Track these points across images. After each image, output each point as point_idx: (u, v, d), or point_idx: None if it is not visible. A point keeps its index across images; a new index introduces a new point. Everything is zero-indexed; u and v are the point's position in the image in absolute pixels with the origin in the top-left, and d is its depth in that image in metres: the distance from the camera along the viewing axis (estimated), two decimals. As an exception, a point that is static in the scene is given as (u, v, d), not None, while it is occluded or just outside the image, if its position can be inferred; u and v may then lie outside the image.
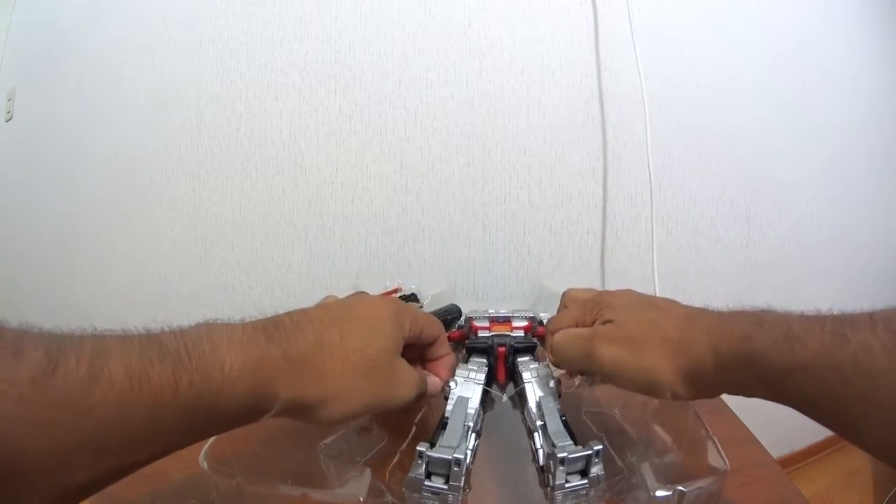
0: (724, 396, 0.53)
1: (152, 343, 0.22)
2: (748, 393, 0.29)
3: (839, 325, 0.25)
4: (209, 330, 0.25)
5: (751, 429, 0.46)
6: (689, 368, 0.29)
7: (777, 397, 0.27)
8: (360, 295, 0.37)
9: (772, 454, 0.42)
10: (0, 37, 1.28)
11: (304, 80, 0.85)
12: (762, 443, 0.44)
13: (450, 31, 0.82)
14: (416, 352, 0.37)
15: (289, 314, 0.30)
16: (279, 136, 0.87)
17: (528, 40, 0.82)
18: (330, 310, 0.31)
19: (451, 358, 0.39)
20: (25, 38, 1.21)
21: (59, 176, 1.12)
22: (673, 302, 0.35)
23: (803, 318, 0.27)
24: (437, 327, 0.37)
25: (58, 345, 0.19)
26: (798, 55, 0.94)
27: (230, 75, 0.88)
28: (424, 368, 0.38)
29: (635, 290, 0.38)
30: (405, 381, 0.32)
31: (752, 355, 0.27)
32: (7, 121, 1.24)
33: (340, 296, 0.37)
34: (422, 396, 0.34)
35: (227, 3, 0.87)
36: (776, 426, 1.05)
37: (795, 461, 1.18)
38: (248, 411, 0.25)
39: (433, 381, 0.36)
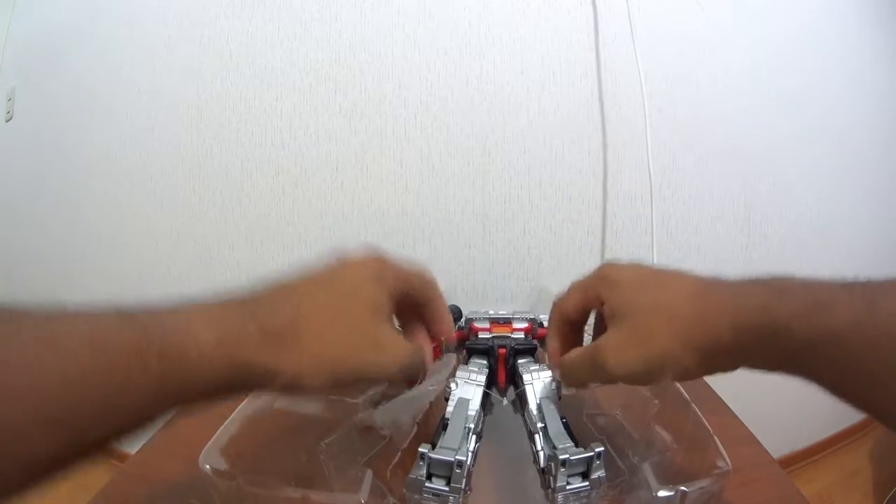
0: (725, 396, 0.53)
1: (121, 314, 0.21)
2: (769, 367, 0.27)
3: (868, 291, 0.23)
4: (184, 305, 0.24)
5: (751, 429, 0.46)
6: (702, 344, 0.27)
7: (800, 371, 0.25)
8: (341, 258, 0.32)
9: (772, 454, 0.42)
10: (0, 37, 1.28)
11: (304, 80, 0.85)
12: (762, 443, 0.43)
13: (450, 31, 0.82)
14: (414, 313, 0.33)
15: (266, 285, 0.28)
16: (279, 136, 0.87)
17: (528, 40, 0.82)
18: (308, 279, 0.29)
19: (449, 316, 0.35)
20: (25, 38, 1.21)
21: (59, 176, 1.12)
22: (683, 275, 0.31)
23: (828, 286, 0.24)
24: (428, 283, 0.33)
25: (15, 309, 0.18)
26: (798, 55, 0.94)
27: (230, 75, 0.88)
28: (428, 334, 0.34)
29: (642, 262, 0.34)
30: (389, 350, 0.28)
31: (774, 327, 0.25)
32: (7, 121, 1.24)
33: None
34: (413, 370, 0.30)
35: (227, 3, 0.87)
36: (776, 426, 1.05)
37: (795, 461, 1.18)
38: (227, 385, 0.24)
39: (426, 352, 0.32)
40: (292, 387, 0.26)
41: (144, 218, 0.98)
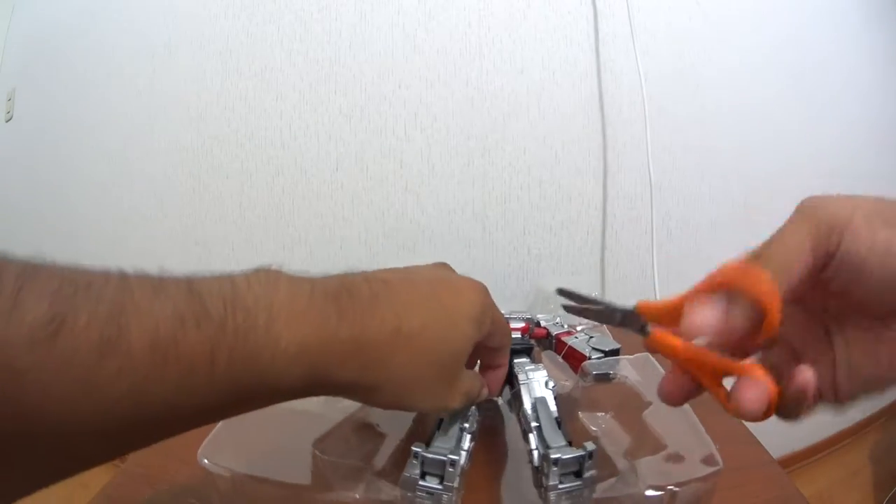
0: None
1: (192, 301, 0.18)
2: None
3: None
4: (267, 291, 0.20)
5: (751, 429, 0.46)
6: None
7: None
8: (447, 273, 0.31)
9: (772, 454, 0.42)
10: (0, 37, 1.28)
11: (304, 80, 0.85)
12: (762, 443, 0.43)
13: (450, 31, 0.82)
14: (477, 351, 0.32)
15: (366, 279, 0.25)
16: (279, 136, 0.87)
17: (528, 40, 0.83)
18: (413, 287, 0.26)
19: (505, 370, 0.35)
20: (25, 38, 1.21)
21: (59, 176, 1.12)
22: None
23: None
24: (508, 337, 0.33)
25: (69, 295, 0.16)
26: (798, 55, 0.95)
27: (230, 75, 0.88)
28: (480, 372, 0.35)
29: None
30: (462, 391, 0.29)
31: None
32: (7, 121, 1.24)
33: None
34: (470, 403, 0.31)
35: (227, 3, 0.87)
36: (776, 426, 1.05)
37: (795, 461, 1.18)
38: (297, 392, 0.22)
39: (483, 391, 0.33)
40: (364, 399, 0.25)
41: (144, 218, 0.98)
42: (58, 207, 1.13)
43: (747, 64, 0.90)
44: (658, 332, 0.24)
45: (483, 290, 0.29)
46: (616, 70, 0.83)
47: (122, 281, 0.17)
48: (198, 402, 0.18)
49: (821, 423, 1.22)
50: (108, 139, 1.01)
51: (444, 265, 0.32)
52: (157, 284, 0.18)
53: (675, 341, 0.23)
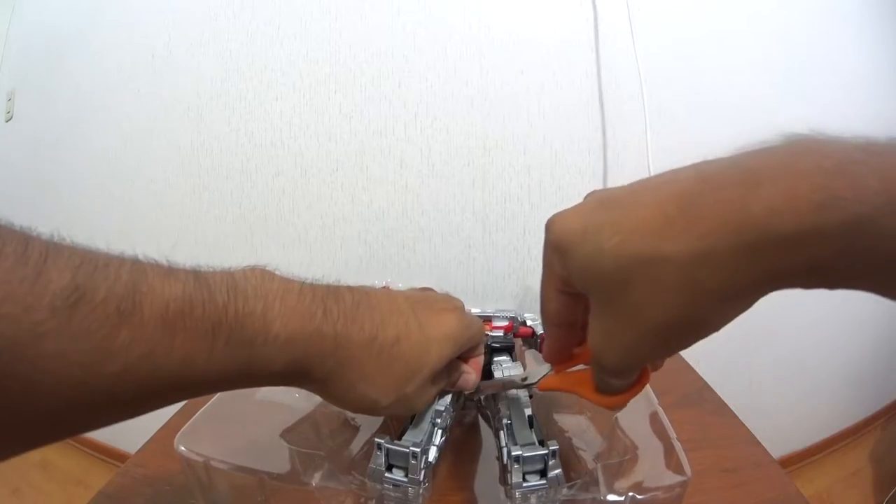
0: (725, 396, 0.53)
1: (199, 286, 0.20)
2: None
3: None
4: (263, 283, 0.23)
5: (751, 429, 0.46)
6: (713, 285, 0.19)
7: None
8: (431, 295, 0.33)
9: (772, 454, 0.42)
10: (0, 37, 1.28)
11: (304, 80, 0.85)
12: (762, 443, 0.44)
13: (450, 31, 0.82)
14: None
15: (350, 290, 0.27)
16: (279, 136, 0.87)
17: (528, 40, 0.82)
18: (393, 302, 0.28)
19: (482, 359, 0.37)
20: (25, 38, 1.21)
21: (59, 176, 1.12)
22: (642, 192, 0.23)
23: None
24: (482, 338, 0.35)
25: (89, 271, 0.17)
26: (799, 55, 0.94)
27: (230, 75, 0.88)
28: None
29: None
30: (425, 400, 0.30)
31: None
32: (7, 121, 1.24)
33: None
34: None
35: (227, 3, 0.87)
36: (776, 426, 1.05)
37: (795, 461, 1.18)
38: (279, 378, 0.24)
39: (466, 379, 0.34)
40: (335, 397, 0.27)
41: (144, 218, 0.98)
42: (58, 207, 1.13)
43: (748, 63, 0.90)
44: (541, 384, 0.32)
45: (460, 310, 0.32)
46: (616, 70, 0.83)
47: (137, 264, 0.19)
48: (198, 376, 0.20)
49: (821, 424, 1.22)
50: (108, 139, 1.01)
51: (426, 288, 0.36)
52: (168, 270, 0.20)
53: (551, 381, 0.31)
